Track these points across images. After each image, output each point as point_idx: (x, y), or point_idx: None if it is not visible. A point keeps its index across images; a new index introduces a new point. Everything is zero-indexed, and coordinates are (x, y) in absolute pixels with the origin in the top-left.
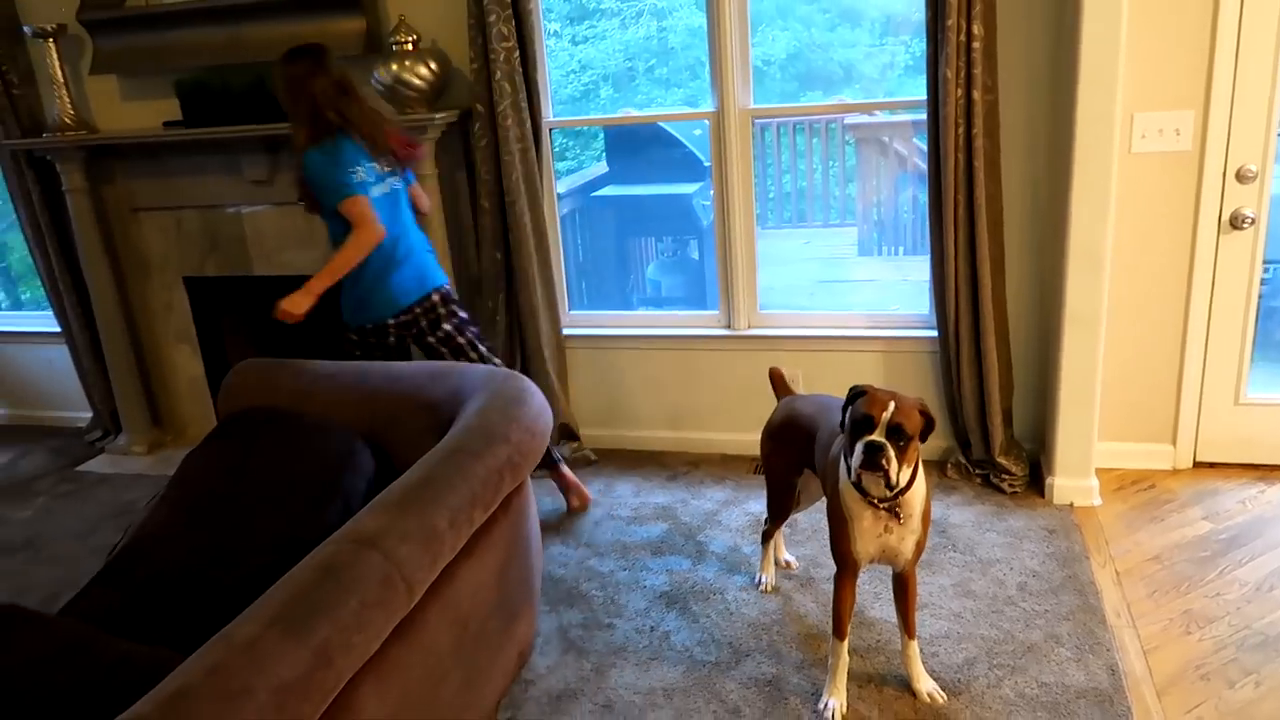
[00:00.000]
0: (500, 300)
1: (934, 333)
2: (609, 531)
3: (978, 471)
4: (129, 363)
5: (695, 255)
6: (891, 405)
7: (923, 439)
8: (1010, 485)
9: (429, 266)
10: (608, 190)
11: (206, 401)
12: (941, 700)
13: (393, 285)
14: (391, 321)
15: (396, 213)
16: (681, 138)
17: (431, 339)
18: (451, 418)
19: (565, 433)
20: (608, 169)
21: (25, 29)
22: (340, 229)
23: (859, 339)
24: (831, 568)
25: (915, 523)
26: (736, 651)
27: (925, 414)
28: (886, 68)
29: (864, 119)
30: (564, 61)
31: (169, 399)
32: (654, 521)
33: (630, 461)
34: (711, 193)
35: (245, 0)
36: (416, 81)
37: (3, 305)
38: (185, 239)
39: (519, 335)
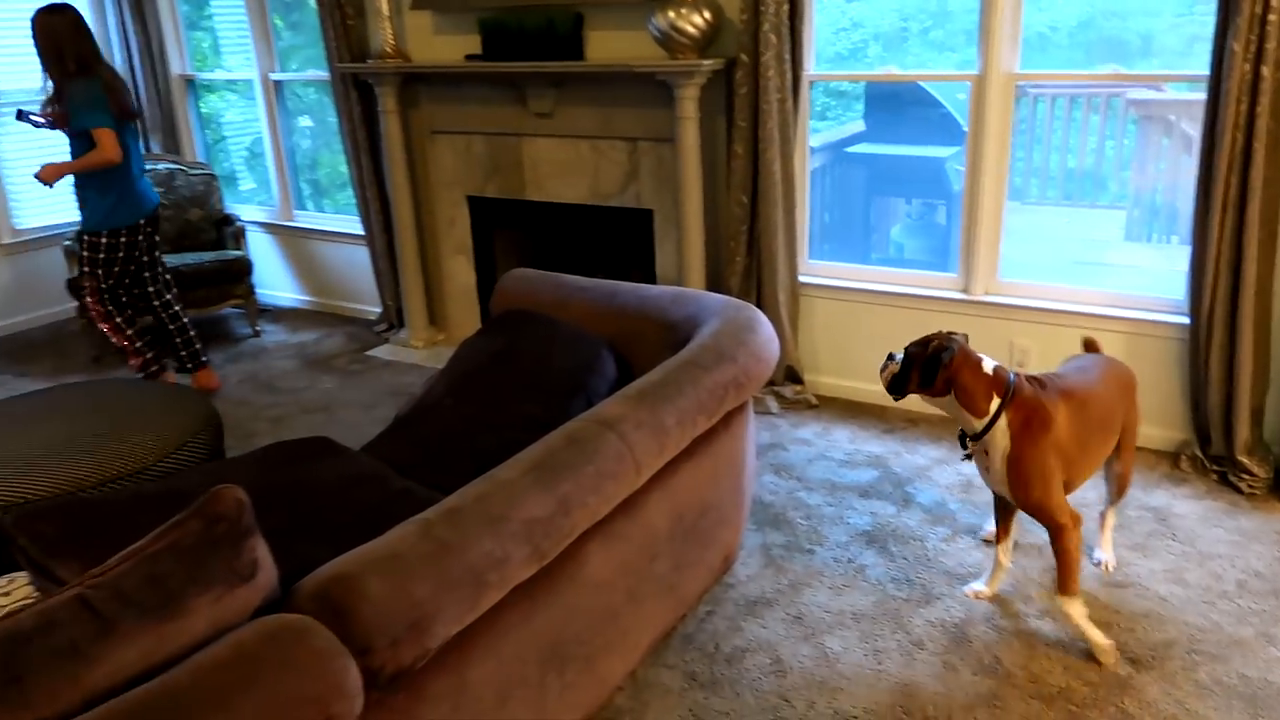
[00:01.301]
0: (742, 242)
1: (1185, 319)
2: (821, 470)
3: (1214, 468)
4: (415, 267)
5: (942, 220)
6: (919, 341)
7: (924, 376)
8: (1250, 486)
9: (152, 189)
10: (861, 148)
11: (475, 308)
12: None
13: (136, 197)
14: (133, 225)
15: (135, 146)
16: (943, 100)
17: (147, 258)
18: (687, 338)
19: (789, 375)
20: (864, 127)
21: None
22: (81, 148)
23: (1101, 317)
24: (1041, 535)
25: (999, 471)
26: (928, 593)
27: (934, 356)
28: (1193, 40)
29: (1150, 95)
30: (835, 19)
31: (444, 302)
32: (865, 467)
33: (851, 411)
34: (965, 156)
35: None
36: (690, 29)
37: (311, 208)
38: (473, 161)
39: (756, 276)
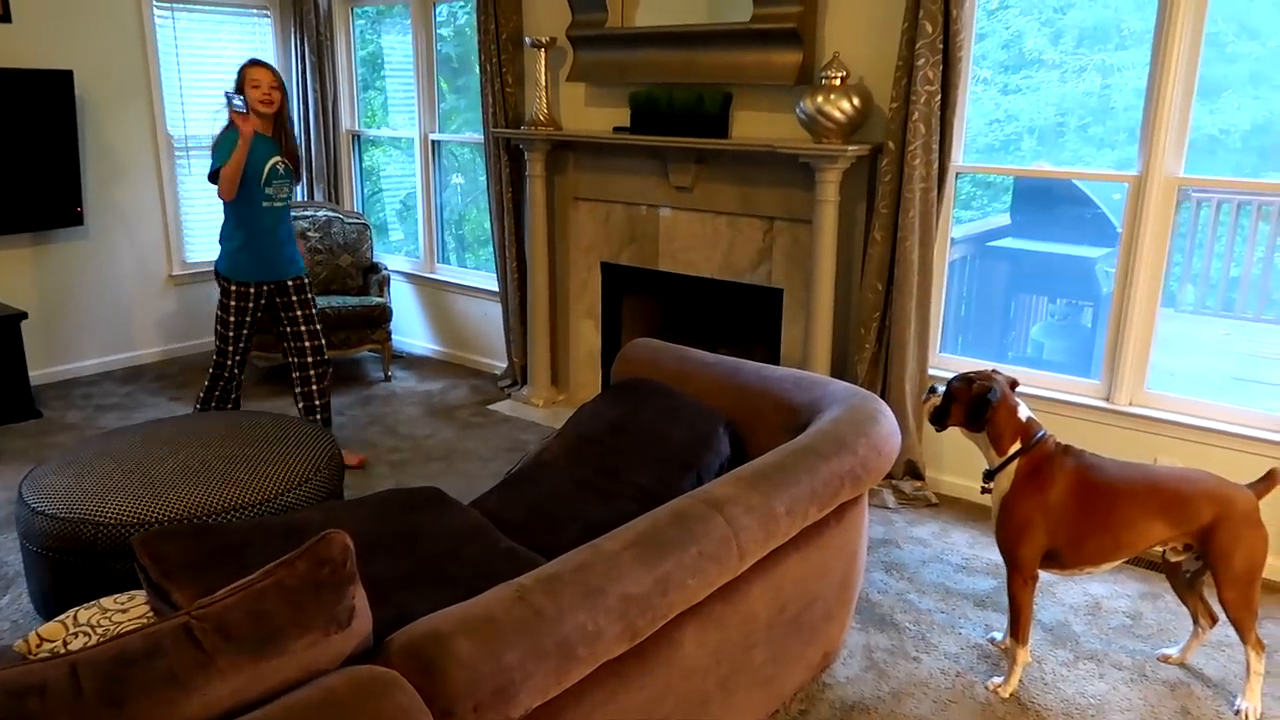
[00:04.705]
0: (873, 329)
1: None
2: (935, 573)
3: None
4: (545, 327)
5: (1087, 323)
6: (964, 374)
7: (971, 414)
8: None
9: None
10: (1005, 242)
11: (598, 372)
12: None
13: None
14: None
15: None
16: (1098, 200)
17: None
18: (808, 422)
19: (910, 469)
20: (1010, 221)
21: (526, 40)
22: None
23: (1256, 440)
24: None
25: (994, 508)
26: None
27: (975, 394)
28: None
29: None
30: (989, 110)
31: (568, 363)
32: (984, 575)
33: (972, 513)
34: (1117, 258)
35: (704, 29)
36: (837, 114)
37: (453, 262)
38: (611, 229)
39: (884, 365)
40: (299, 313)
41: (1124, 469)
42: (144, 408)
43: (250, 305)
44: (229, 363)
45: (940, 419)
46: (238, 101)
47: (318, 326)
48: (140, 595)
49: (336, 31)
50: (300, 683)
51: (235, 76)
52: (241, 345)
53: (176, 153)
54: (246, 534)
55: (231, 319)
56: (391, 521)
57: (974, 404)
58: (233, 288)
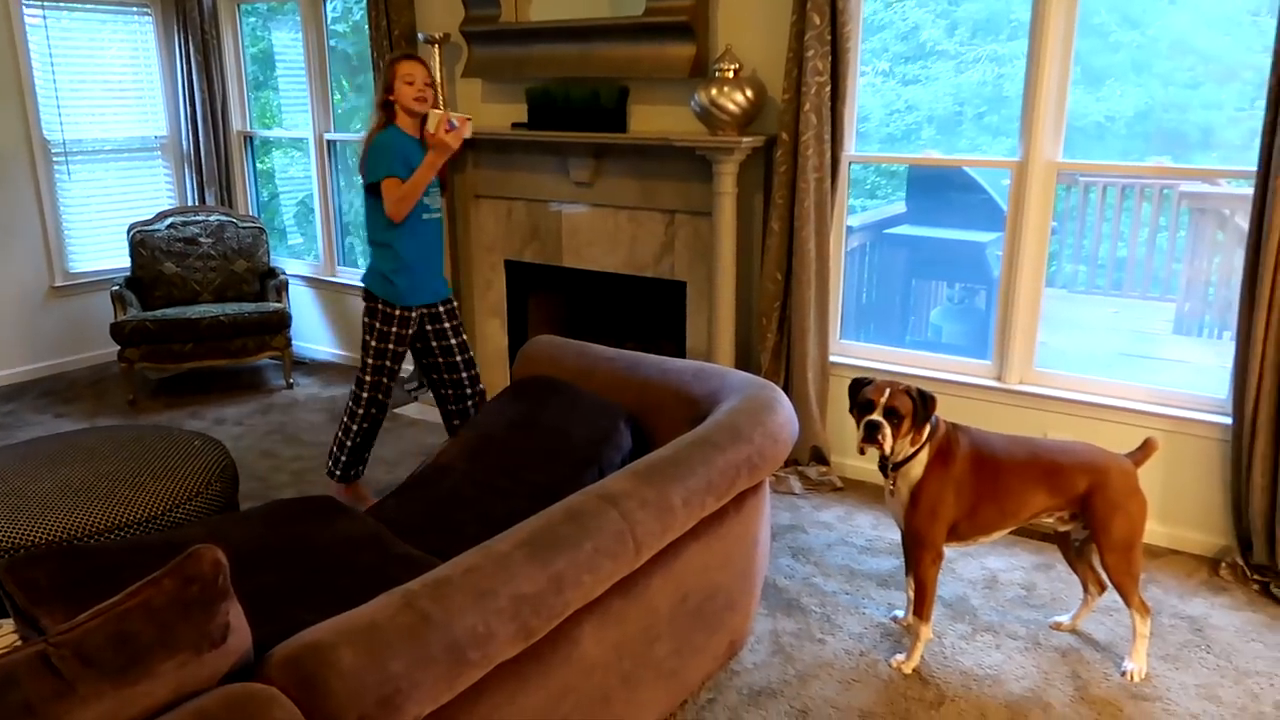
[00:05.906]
0: (774, 319)
1: (1227, 419)
2: (840, 556)
3: (1256, 578)
4: None
5: (982, 306)
6: (888, 391)
7: (922, 419)
8: None
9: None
10: (902, 229)
11: (506, 370)
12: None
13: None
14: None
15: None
16: (987, 186)
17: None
18: (707, 413)
19: (815, 455)
20: (905, 209)
21: (420, 35)
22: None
23: (1138, 413)
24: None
25: (903, 495)
26: (941, 694)
27: (917, 396)
28: (1253, 134)
29: (1204, 188)
30: (890, 100)
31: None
32: (886, 555)
33: (877, 496)
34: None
35: (598, 23)
36: (731, 107)
37: (363, 265)
38: (513, 226)
39: (786, 354)
40: (453, 341)
41: (1010, 443)
42: (28, 426)
43: (409, 332)
44: (384, 397)
45: (881, 448)
46: (454, 120)
47: (472, 353)
48: (7, 624)
49: (223, 29)
50: (173, 704)
51: (384, 74)
52: (397, 373)
53: (55, 158)
54: (124, 554)
55: (391, 347)
56: (281, 533)
57: (927, 405)
58: (396, 313)
